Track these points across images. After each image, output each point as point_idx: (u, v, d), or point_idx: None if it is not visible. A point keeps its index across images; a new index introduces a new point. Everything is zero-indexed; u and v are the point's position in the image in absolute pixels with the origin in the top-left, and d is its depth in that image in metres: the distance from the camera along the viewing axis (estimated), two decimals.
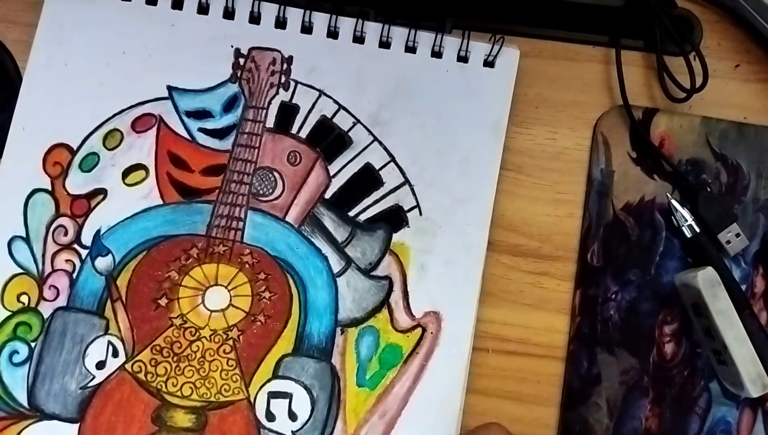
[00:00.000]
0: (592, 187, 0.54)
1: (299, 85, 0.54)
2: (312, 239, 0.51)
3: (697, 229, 0.52)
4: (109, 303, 0.50)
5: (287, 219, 0.52)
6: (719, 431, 0.51)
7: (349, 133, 0.53)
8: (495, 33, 0.54)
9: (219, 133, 0.53)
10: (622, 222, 0.53)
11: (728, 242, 0.52)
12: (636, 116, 0.54)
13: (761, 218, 0.53)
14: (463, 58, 0.54)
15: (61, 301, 0.50)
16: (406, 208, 0.52)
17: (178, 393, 0.49)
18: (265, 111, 0.53)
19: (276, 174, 0.52)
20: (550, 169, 0.54)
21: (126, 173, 0.52)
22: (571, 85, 0.56)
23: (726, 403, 0.51)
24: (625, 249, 0.53)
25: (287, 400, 0.49)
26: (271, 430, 0.49)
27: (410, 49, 0.54)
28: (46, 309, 0.50)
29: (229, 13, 0.54)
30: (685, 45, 0.54)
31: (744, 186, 0.54)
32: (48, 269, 0.51)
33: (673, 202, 0.52)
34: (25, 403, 0.49)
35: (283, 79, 0.54)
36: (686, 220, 0.52)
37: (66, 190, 0.52)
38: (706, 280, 0.49)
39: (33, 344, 0.50)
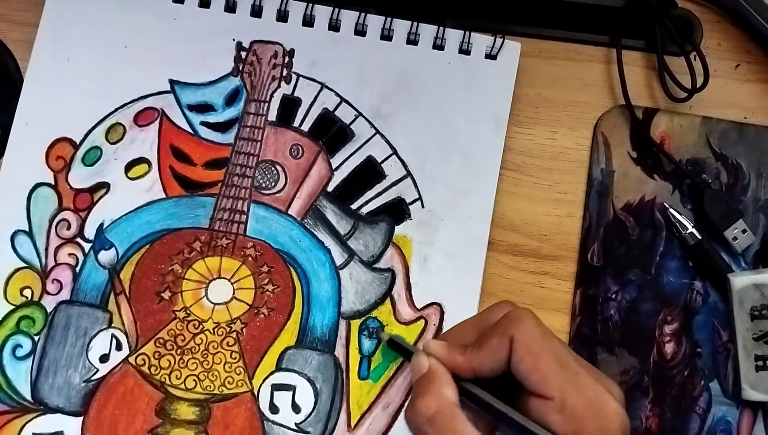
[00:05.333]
0: (593, 187, 0.55)
1: (301, 78, 0.56)
2: (314, 232, 0.54)
3: (699, 237, 0.54)
4: (112, 296, 0.52)
5: (290, 212, 0.54)
6: (719, 431, 0.52)
7: (351, 126, 0.55)
8: (495, 33, 0.56)
9: (221, 127, 0.55)
10: (622, 222, 0.55)
11: (735, 239, 0.54)
12: (636, 116, 0.56)
13: (761, 218, 0.55)
14: (464, 51, 0.56)
15: (65, 295, 0.52)
16: (408, 201, 0.54)
17: (182, 386, 0.51)
18: (267, 104, 0.56)
19: (278, 167, 0.55)
20: (550, 169, 0.56)
21: (129, 167, 0.54)
22: (572, 85, 0.57)
23: (726, 402, 0.53)
24: (625, 249, 0.55)
25: (290, 393, 0.51)
26: (274, 423, 0.51)
27: (412, 41, 0.56)
28: (49, 303, 0.52)
29: (230, 7, 0.57)
30: (685, 45, 0.56)
31: (744, 186, 0.56)
32: (51, 263, 0.53)
33: (671, 211, 0.54)
34: (28, 397, 0.51)
35: (284, 73, 0.56)
36: (687, 229, 0.54)
37: (69, 184, 0.54)
38: None
39: (36, 338, 0.52)
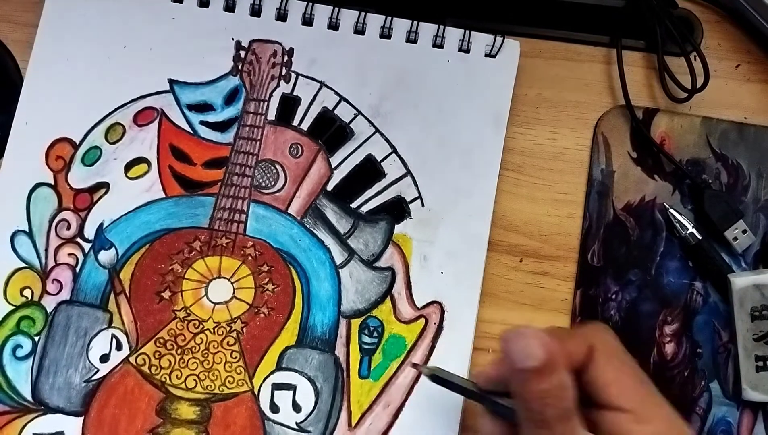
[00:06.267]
0: (593, 188, 0.56)
1: (300, 77, 0.57)
2: (314, 231, 0.54)
3: (699, 237, 0.54)
4: (112, 296, 0.53)
5: (289, 211, 0.55)
6: (719, 431, 0.53)
7: (351, 125, 0.56)
8: (495, 33, 0.56)
9: (220, 126, 0.56)
10: (622, 222, 0.55)
11: (735, 239, 0.54)
12: (636, 116, 0.56)
13: (761, 218, 0.55)
14: (464, 50, 0.57)
15: (65, 295, 0.53)
16: (408, 200, 0.55)
17: (182, 385, 0.52)
18: (266, 103, 0.56)
19: (278, 166, 0.55)
20: (551, 169, 0.57)
21: (128, 167, 0.55)
22: (572, 85, 0.58)
23: (726, 403, 0.53)
24: (625, 249, 0.55)
25: (291, 392, 0.52)
26: (275, 422, 0.51)
27: (411, 40, 0.57)
28: (49, 303, 0.53)
29: (229, 6, 0.57)
30: (685, 45, 0.56)
31: (744, 186, 0.56)
32: (51, 263, 0.53)
33: (672, 211, 0.55)
34: (29, 397, 0.51)
35: (284, 72, 0.57)
36: (687, 229, 0.54)
37: (68, 184, 0.54)
38: None
39: (36, 338, 0.52)
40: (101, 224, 0.54)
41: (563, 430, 0.41)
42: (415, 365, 0.52)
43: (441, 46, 0.57)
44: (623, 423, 0.42)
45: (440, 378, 0.48)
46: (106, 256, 0.54)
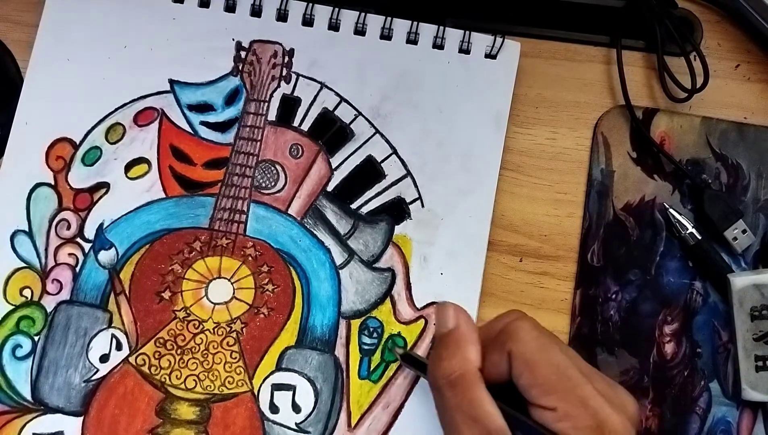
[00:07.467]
0: (592, 187, 0.56)
1: (301, 78, 0.57)
2: (314, 232, 0.55)
3: (699, 237, 0.54)
4: (112, 296, 0.53)
5: (290, 212, 0.55)
6: (719, 431, 0.53)
7: (351, 126, 0.56)
8: (495, 33, 0.57)
9: (221, 127, 0.56)
10: (622, 222, 0.56)
11: (735, 239, 0.54)
12: (636, 116, 0.57)
13: (761, 218, 0.56)
14: (464, 50, 0.57)
15: (65, 295, 0.53)
16: (408, 201, 0.55)
17: (182, 386, 0.52)
18: (266, 104, 0.56)
19: (278, 167, 0.56)
20: (551, 169, 0.57)
21: (128, 167, 0.55)
22: (572, 85, 0.58)
23: (726, 403, 0.53)
24: (625, 249, 0.55)
25: (291, 392, 0.52)
26: (275, 422, 0.52)
27: (411, 41, 0.57)
28: (49, 303, 0.53)
29: (230, 7, 0.57)
30: (685, 45, 0.56)
31: (744, 186, 0.56)
32: (51, 263, 0.54)
33: (671, 211, 0.55)
34: (28, 397, 0.52)
35: (284, 72, 0.57)
36: (687, 229, 0.54)
37: (69, 184, 0.55)
38: None
39: (36, 338, 0.52)
40: (101, 224, 0.54)
41: (464, 392, 0.44)
42: (392, 349, 0.52)
43: (441, 47, 0.57)
44: (550, 420, 0.43)
45: (411, 357, 0.50)
46: (106, 256, 0.54)
